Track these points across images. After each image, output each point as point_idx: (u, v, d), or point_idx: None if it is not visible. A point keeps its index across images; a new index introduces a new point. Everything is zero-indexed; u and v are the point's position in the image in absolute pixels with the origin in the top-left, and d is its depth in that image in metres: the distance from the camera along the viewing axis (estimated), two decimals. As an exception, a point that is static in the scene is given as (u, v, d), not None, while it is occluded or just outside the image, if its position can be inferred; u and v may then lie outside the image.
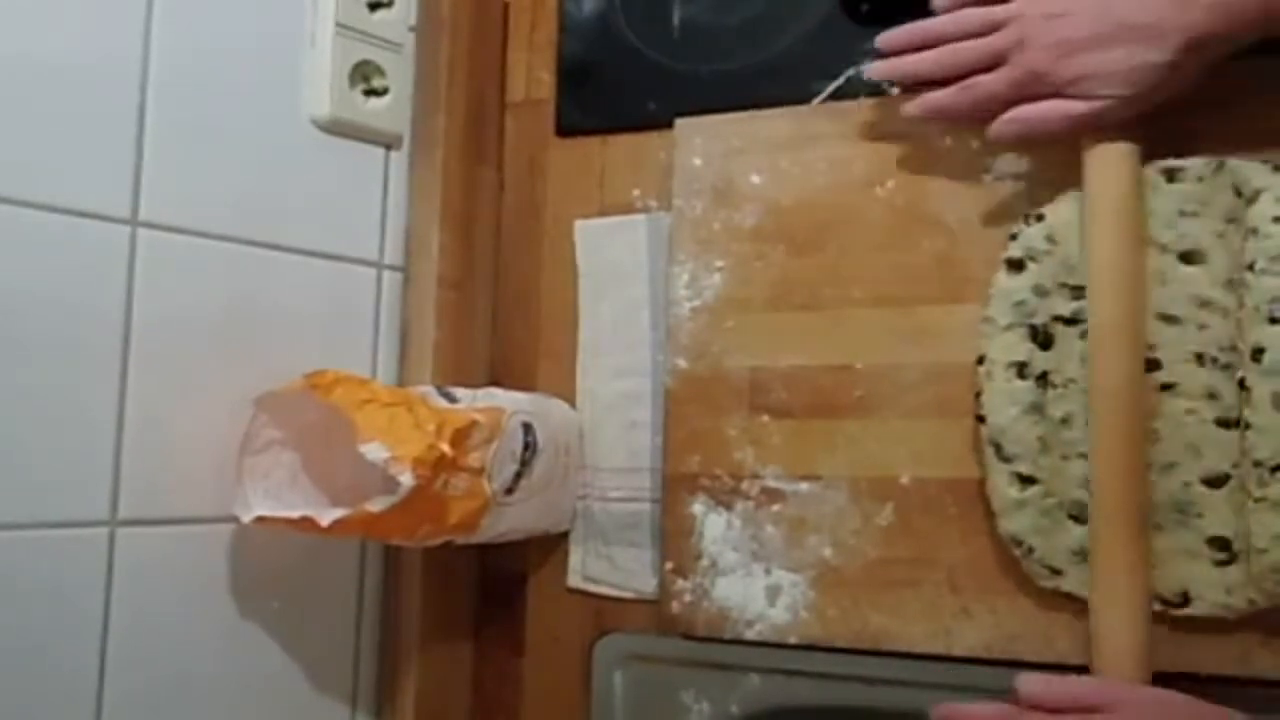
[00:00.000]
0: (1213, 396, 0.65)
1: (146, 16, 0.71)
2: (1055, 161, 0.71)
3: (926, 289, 0.75)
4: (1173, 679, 0.66)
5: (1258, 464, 0.63)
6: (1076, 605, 0.68)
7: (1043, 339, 0.69)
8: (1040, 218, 0.70)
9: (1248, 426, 0.64)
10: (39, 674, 0.65)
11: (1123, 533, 0.65)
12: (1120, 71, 0.62)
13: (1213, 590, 0.65)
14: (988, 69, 0.67)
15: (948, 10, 0.69)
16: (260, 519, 0.71)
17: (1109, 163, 0.66)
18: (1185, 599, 0.65)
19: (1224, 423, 0.65)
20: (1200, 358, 0.66)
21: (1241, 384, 0.64)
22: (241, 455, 0.73)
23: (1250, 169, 0.65)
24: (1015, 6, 0.66)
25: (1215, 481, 0.65)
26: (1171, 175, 0.67)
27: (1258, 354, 0.64)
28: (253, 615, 0.76)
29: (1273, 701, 0.65)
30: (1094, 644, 0.65)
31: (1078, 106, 0.64)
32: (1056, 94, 0.65)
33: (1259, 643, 0.65)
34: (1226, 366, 0.65)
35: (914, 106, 0.71)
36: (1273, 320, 0.63)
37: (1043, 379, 0.68)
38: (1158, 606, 0.66)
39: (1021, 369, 0.68)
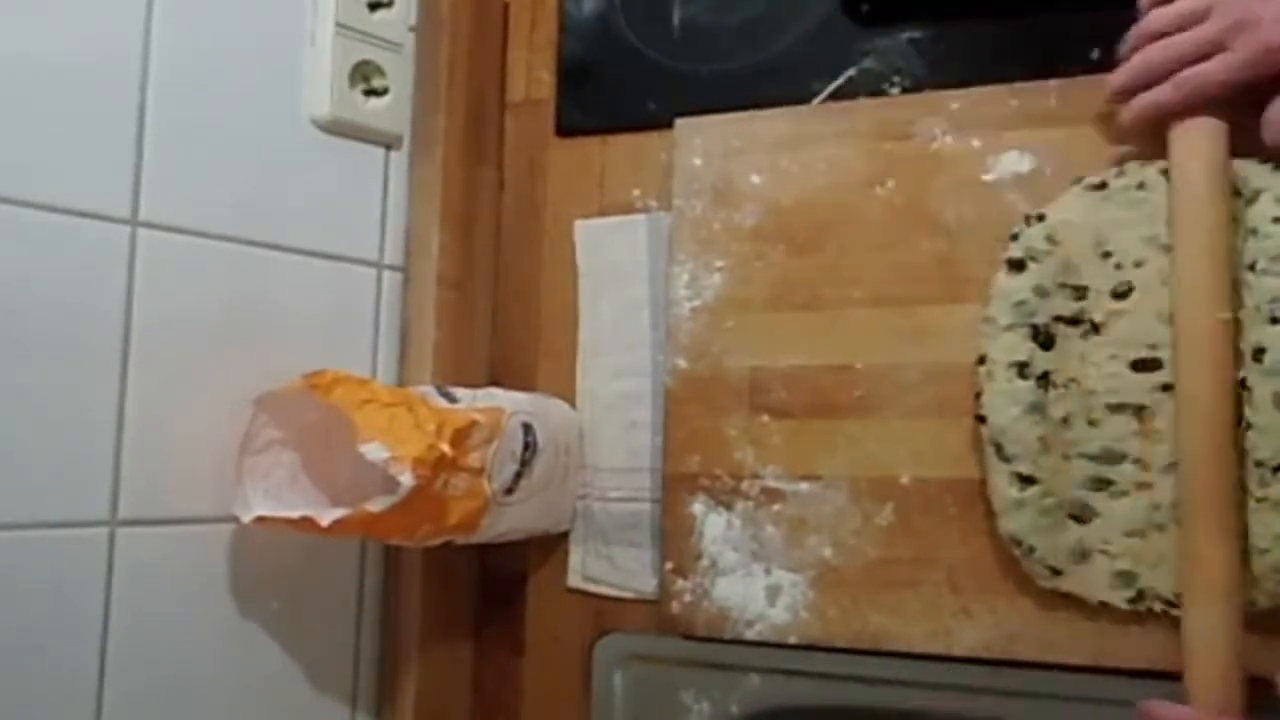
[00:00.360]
0: None
1: (146, 16, 0.71)
2: (1055, 162, 0.72)
3: (926, 289, 0.75)
4: (1165, 676, 0.66)
5: (1259, 464, 0.63)
6: (1076, 605, 0.69)
7: (1044, 339, 0.69)
8: (1041, 218, 0.70)
9: (1249, 427, 0.64)
10: (39, 674, 0.65)
11: (1216, 534, 0.63)
12: None
13: None
14: (1197, 61, 0.64)
15: (1150, 7, 0.67)
16: (260, 519, 0.71)
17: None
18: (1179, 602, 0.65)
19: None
20: None
21: (1242, 384, 0.64)
22: (241, 455, 0.73)
23: (1250, 169, 0.65)
24: None
25: None
26: (1168, 171, 0.67)
27: (1259, 354, 0.64)
28: (253, 615, 0.76)
29: (1273, 701, 0.64)
30: (1187, 650, 0.64)
31: None
32: None
33: (1259, 643, 0.65)
34: None
35: (1129, 113, 0.68)
36: (1273, 320, 0.64)
37: (1044, 379, 0.68)
38: (1158, 607, 0.66)
39: (1022, 369, 0.68)
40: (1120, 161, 0.70)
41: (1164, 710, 0.62)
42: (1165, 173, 0.67)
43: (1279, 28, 0.61)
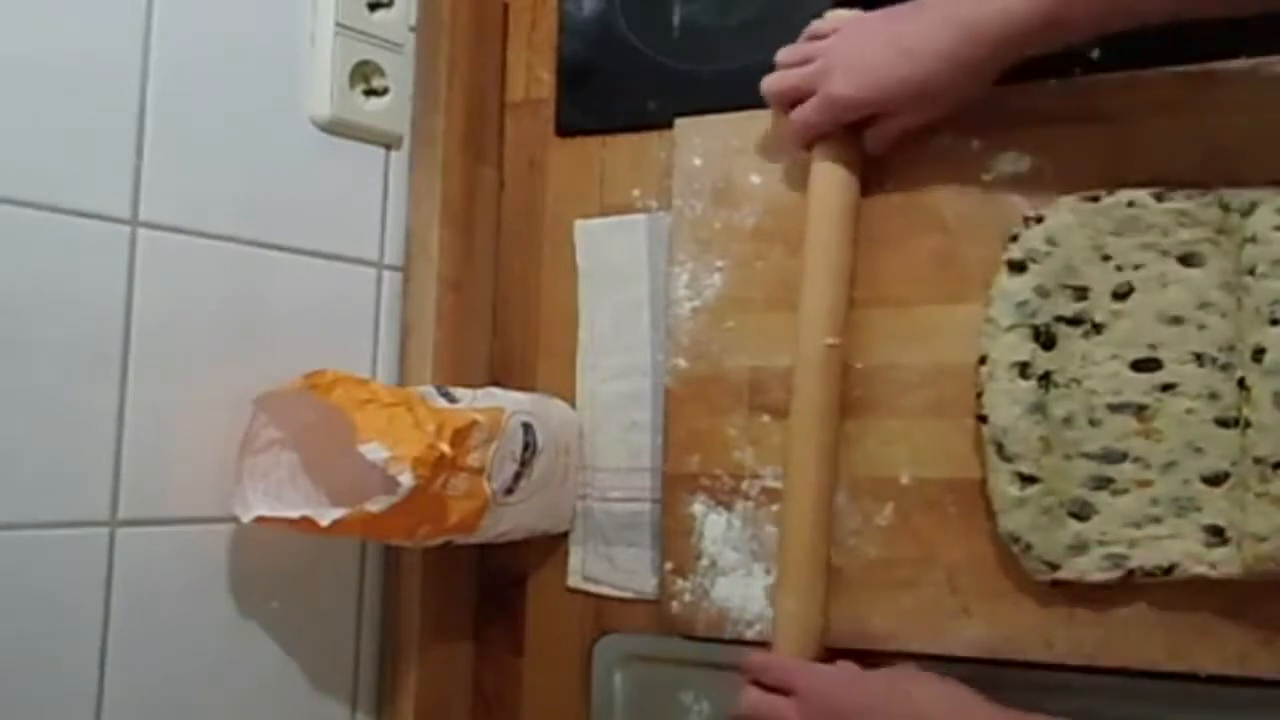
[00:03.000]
0: (1213, 396, 0.66)
1: (146, 17, 0.71)
2: (1055, 162, 0.72)
3: (926, 289, 0.74)
4: (1165, 676, 0.66)
5: (1258, 461, 0.63)
6: (1076, 605, 0.68)
7: (1045, 340, 0.69)
8: (1040, 219, 0.70)
9: (1248, 425, 0.64)
10: (39, 674, 0.65)
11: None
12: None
13: (1199, 564, 0.65)
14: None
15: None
16: (260, 519, 0.71)
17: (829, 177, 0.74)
18: (1170, 569, 0.66)
19: (1223, 422, 0.65)
20: (1200, 358, 0.66)
21: (1241, 384, 0.65)
22: (241, 455, 0.73)
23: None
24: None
25: (1215, 479, 0.66)
26: (1160, 196, 0.68)
27: (1258, 354, 0.64)
28: (253, 615, 0.76)
29: (1273, 701, 0.65)
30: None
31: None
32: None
33: (1259, 643, 0.65)
34: (1225, 366, 0.66)
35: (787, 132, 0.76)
36: (1273, 322, 0.64)
37: (1045, 379, 0.68)
38: (1142, 578, 0.66)
39: (1024, 369, 0.68)
40: (1117, 163, 0.70)
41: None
42: (1154, 195, 0.68)
43: (842, 79, 0.70)
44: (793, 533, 0.73)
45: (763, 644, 0.77)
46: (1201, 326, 0.66)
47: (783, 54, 0.75)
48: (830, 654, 0.71)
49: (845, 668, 0.69)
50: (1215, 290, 0.66)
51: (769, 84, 0.75)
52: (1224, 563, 0.65)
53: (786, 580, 0.73)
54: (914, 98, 0.69)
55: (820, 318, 0.73)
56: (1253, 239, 0.65)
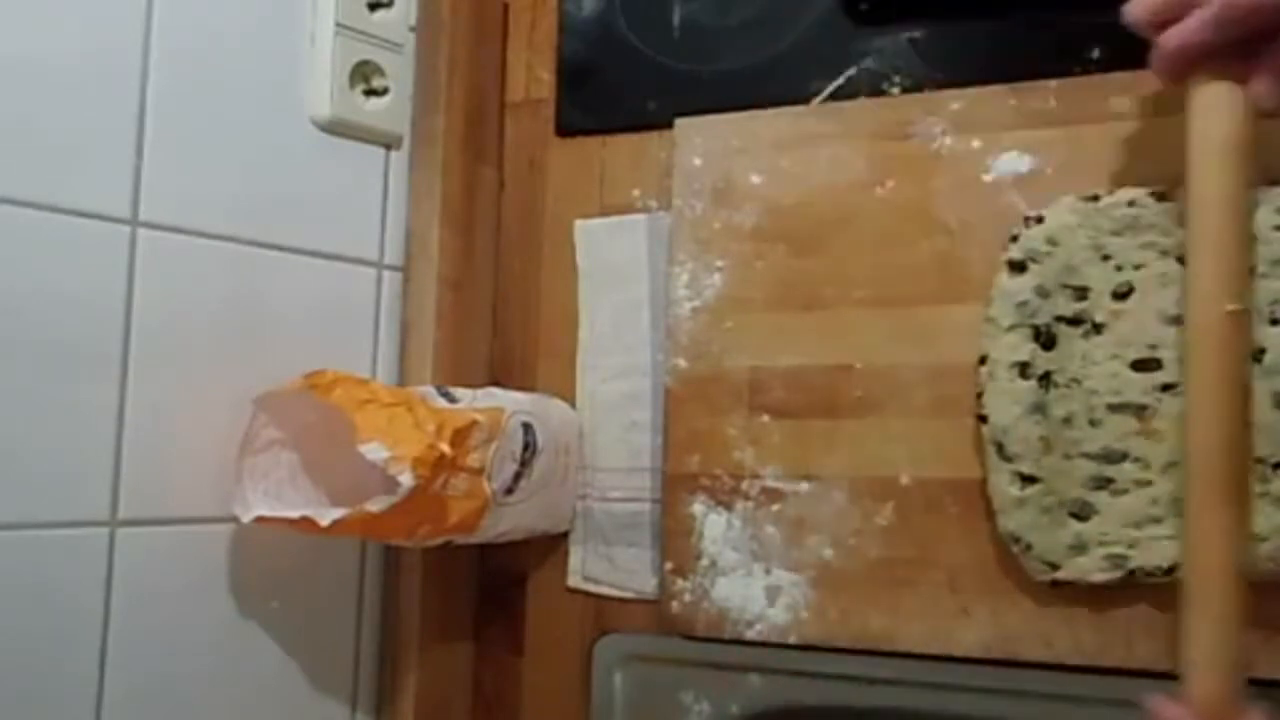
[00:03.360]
0: None
1: (146, 17, 0.71)
2: (1055, 162, 0.72)
3: (926, 289, 0.74)
4: (1165, 676, 0.66)
5: (1259, 461, 0.63)
6: (1076, 606, 0.69)
7: (1045, 339, 0.69)
8: (1040, 220, 0.70)
9: (1248, 425, 0.64)
10: (39, 674, 0.65)
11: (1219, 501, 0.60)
12: None
13: None
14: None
15: None
16: (260, 519, 0.71)
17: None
18: (1170, 570, 0.66)
19: None
20: None
21: None
22: (241, 455, 0.73)
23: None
24: None
25: None
26: (1160, 196, 0.68)
27: (1259, 354, 0.64)
28: (253, 615, 0.76)
29: (1273, 701, 0.64)
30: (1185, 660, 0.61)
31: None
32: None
33: (1259, 643, 0.65)
34: None
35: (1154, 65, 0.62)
36: (1274, 321, 0.64)
37: (1045, 379, 0.68)
38: (1149, 580, 0.66)
39: (1024, 369, 0.68)
40: (1117, 163, 0.70)
41: (1169, 709, 0.60)
42: (1154, 195, 0.68)
43: None
44: (1201, 536, 0.61)
45: (763, 644, 0.77)
46: None
47: None
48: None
49: None
50: None
51: (1139, 10, 0.60)
52: None
53: (1197, 597, 0.60)
54: None
55: (1217, 281, 0.60)
56: (1253, 238, 0.65)
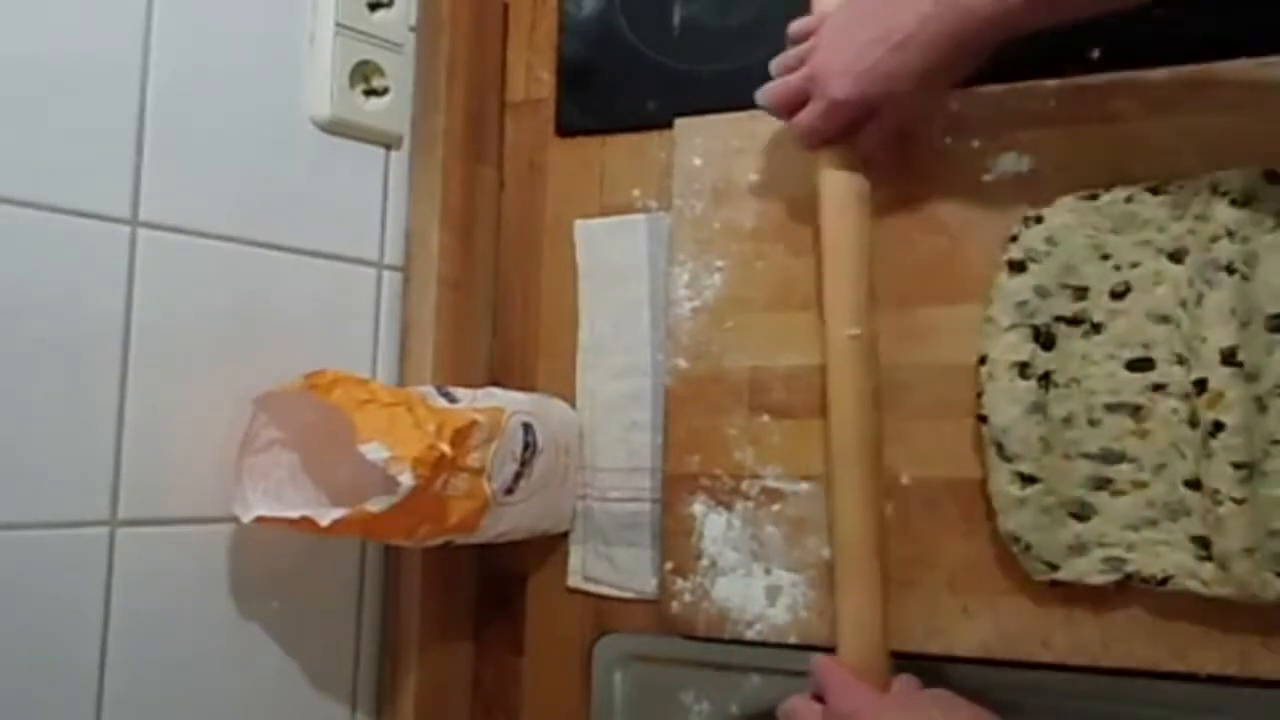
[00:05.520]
0: (1187, 396, 0.65)
1: (146, 17, 0.71)
2: (1055, 162, 0.72)
3: (926, 289, 0.74)
4: (1165, 676, 0.66)
5: (1238, 466, 0.63)
6: (1075, 606, 0.69)
7: (1045, 340, 0.69)
8: (1039, 219, 0.70)
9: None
10: (39, 674, 0.65)
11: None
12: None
13: (1191, 578, 0.65)
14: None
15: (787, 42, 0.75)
16: (260, 519, 0.71)
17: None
18: (1164, 580, 0.66)
19: (1195, 424, 0.65)
20: (1181, 357, 0.66)
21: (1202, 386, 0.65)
22: (241, 455, 0.73)
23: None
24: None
25: (1194, 484, 0.65)
26: (1156, 190, 0.68)
27: (1238, 361, 0.64)
28: (253, 615, 0.76)
29: (1273, 701, 0.65)
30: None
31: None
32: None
33: (1259, 643, 0.65)
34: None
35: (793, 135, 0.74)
36: (1244, 325, 0.64)
37: (1045, 379, 0.68)
38: (1144, 587, 0.66)
39: (1023, 369, 0.68)
40: (1117, 163, 0.70)
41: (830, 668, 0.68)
42: (1151, 190, 0.68)
43: (838, 82, 0.68)
44: (846, 530, 0.70)
45: (762, 644, 0.77)
46: (1179, 325, 0.66)
47: (775, 63, 0.74)
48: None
49: (895, 693, 0.66)
50: (1187, 288, 0.66)
51: (766, 95, 0.73)
52: (1217, 583, 0.64)
53: (844, 578, 0.70)
54: (910, 91, 0.68)
55: (842, 311, 0.71)
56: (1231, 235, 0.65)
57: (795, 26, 0.74)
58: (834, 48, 0.69)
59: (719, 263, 0.81)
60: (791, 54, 0.73)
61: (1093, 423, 0.68)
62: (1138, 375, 0.67)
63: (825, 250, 0.72)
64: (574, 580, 0.87)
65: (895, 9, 0.66)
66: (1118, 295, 0.68)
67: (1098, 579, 0.67)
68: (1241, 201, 0.65)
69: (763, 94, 0.74)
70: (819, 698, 0.67)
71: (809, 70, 0.70)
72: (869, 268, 0.72)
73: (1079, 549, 0.67)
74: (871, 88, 0.68)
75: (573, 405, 0.87)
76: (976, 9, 0.63)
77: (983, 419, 0.70)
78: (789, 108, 0.73)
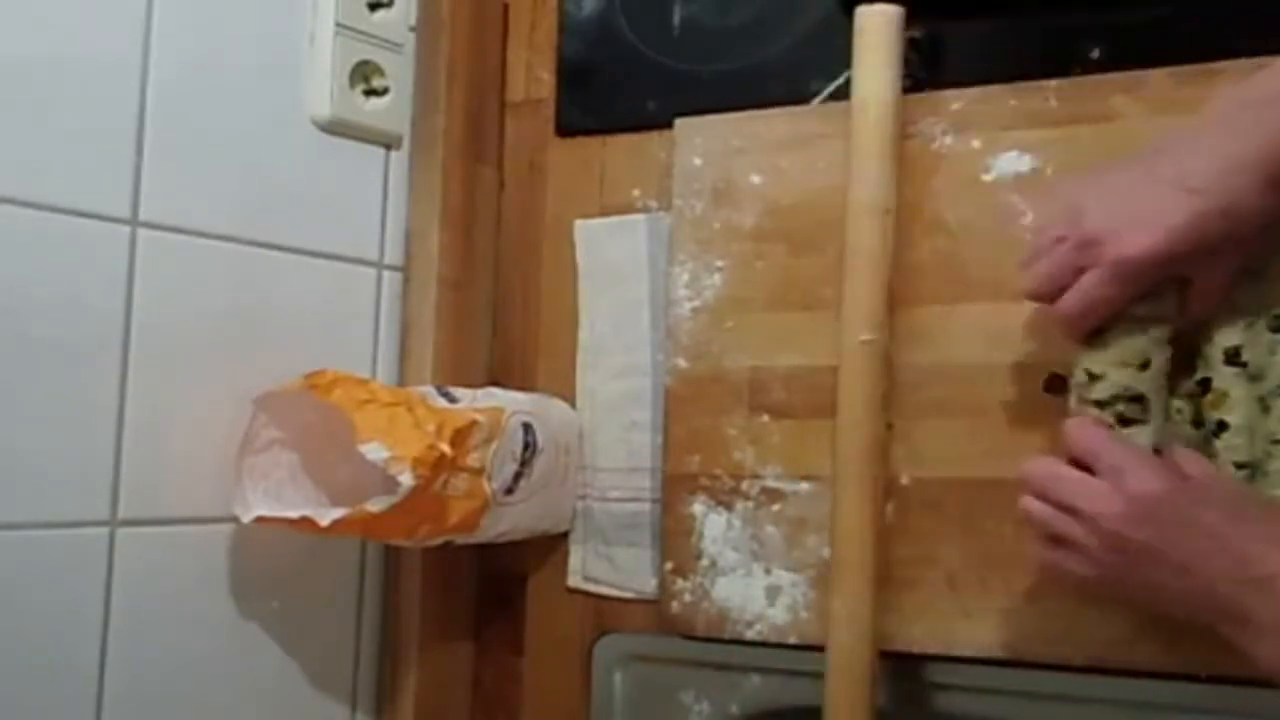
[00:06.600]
0: (1192, 396, 0.65)
1: (146, 17, 0.71)
2: (1055, 162, 0.72)
3: (927, 289, 0.74)
4: (1165, 676, 0.66)
5: (1239, 466, 0.63)
6: (1075, 606, 0.68)
7: None
8: None
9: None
10: (39, 674, 0.65)
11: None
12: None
13: None
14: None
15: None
16: (260, 519, 0.71)
17: None
18: None
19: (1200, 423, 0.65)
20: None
21: (1208, 386, 0.64)
22: (241, 455, 0.73)
23: None
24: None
25: None
26: None
27: (1240, 360, 0.64)
28: (253, 615, 0.76)
29: (1273, 701, 0.64)
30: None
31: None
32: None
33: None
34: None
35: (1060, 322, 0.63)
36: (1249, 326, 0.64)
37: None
38: None
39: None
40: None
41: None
42: None
43: (1132, 237, 0.58)
44: (847, 530, 0.71)
45: (762, 644, 0.77)
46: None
47: (1031, 261, 0.63)
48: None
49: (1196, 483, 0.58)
50: None
51: (1032, 283, 0.63)
52: None
53: (839, 576, 0.71)
54: (1219, 238, 0.58)
55: (859, 316, 0.72)
56: None
57: (1046, 227, 0.63)
58: (1109, 207, 0.60)
59: (719, 263, 0.81)
60: (1053, 250, 0.62)
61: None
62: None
63: (847, 255, 0.73)
64: (574, 580, 0.87)
65: (1176, 153, 0.59)
66: None
67: None
68: None
69: (1028, 280, 0.63)
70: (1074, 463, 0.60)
71: (1079, 238, 0.60)
72: (889, 277, 0.72)
73: None
74: (1171, 240, 0.58)
75: (573, 405, 0.87)
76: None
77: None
78: (1056, 289, 0.62)
